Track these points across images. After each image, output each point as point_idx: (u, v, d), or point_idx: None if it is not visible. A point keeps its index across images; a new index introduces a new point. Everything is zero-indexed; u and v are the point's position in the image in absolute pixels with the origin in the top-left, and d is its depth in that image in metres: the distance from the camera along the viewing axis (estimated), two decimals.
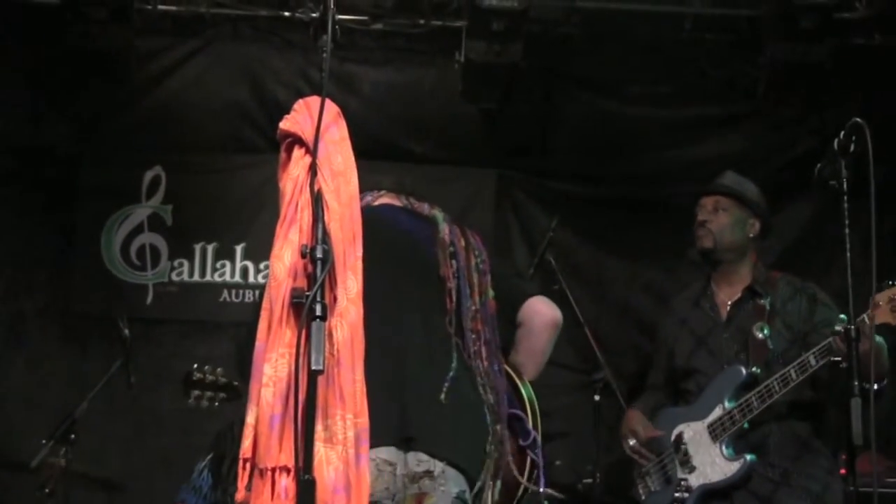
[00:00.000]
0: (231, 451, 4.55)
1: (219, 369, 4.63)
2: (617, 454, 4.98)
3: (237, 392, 4.58)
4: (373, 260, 3.01)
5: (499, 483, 3.19)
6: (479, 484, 3.12)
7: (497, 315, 3.38)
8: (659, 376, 4.95)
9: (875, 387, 3.87)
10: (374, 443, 2.88)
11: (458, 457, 3.07)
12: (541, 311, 3.52)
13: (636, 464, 4.80)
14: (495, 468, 3.16)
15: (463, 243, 3.37)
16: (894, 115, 6.15)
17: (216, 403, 4.63)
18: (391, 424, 2.99)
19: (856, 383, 3.42)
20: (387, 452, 2.97)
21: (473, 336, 3.23)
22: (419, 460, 3.01)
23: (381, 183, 3.57)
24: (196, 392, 4.62)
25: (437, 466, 3.02)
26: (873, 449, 3.43)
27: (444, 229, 3.36)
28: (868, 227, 3.43)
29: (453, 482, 3.05)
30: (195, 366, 4.62)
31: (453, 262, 3.29)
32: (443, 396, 3.08)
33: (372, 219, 3.18)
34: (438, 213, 3.43)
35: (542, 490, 3.48)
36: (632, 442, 4.76)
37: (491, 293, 3.36)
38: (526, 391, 3.56)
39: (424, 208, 3.46)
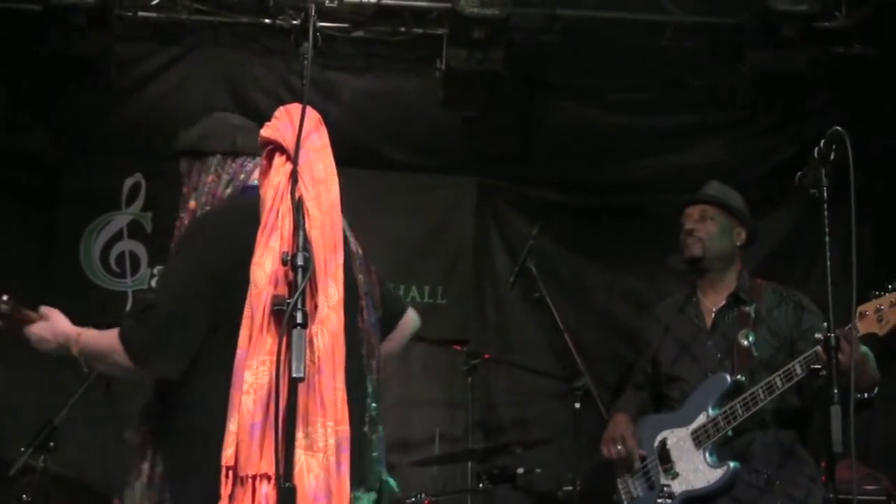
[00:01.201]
0: None
1: (4, 297, 3.71)
2: (597, 461, 4.96)
3: (17, 321, 3.67)
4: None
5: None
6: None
7: None
8: (641, 378, 4.94)
9: (865, 396, 3.91)
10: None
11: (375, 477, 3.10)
12: (411, 321, 3.50)
13: (617, 467, 4.79)
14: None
15: (361, 252, 3.23)
16: (874, 123, 6.18)
17: None
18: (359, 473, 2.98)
19: (835, 391, 3.42)
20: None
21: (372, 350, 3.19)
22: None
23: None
24: None
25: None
26: (853, 456, 3.43)
27: (352, 237, 3.20)
28: (847, 235, 3.44)
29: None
30: None
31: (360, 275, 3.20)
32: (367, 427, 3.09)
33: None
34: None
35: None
36: (619, 447, 4.74)
37: None
38: None
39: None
